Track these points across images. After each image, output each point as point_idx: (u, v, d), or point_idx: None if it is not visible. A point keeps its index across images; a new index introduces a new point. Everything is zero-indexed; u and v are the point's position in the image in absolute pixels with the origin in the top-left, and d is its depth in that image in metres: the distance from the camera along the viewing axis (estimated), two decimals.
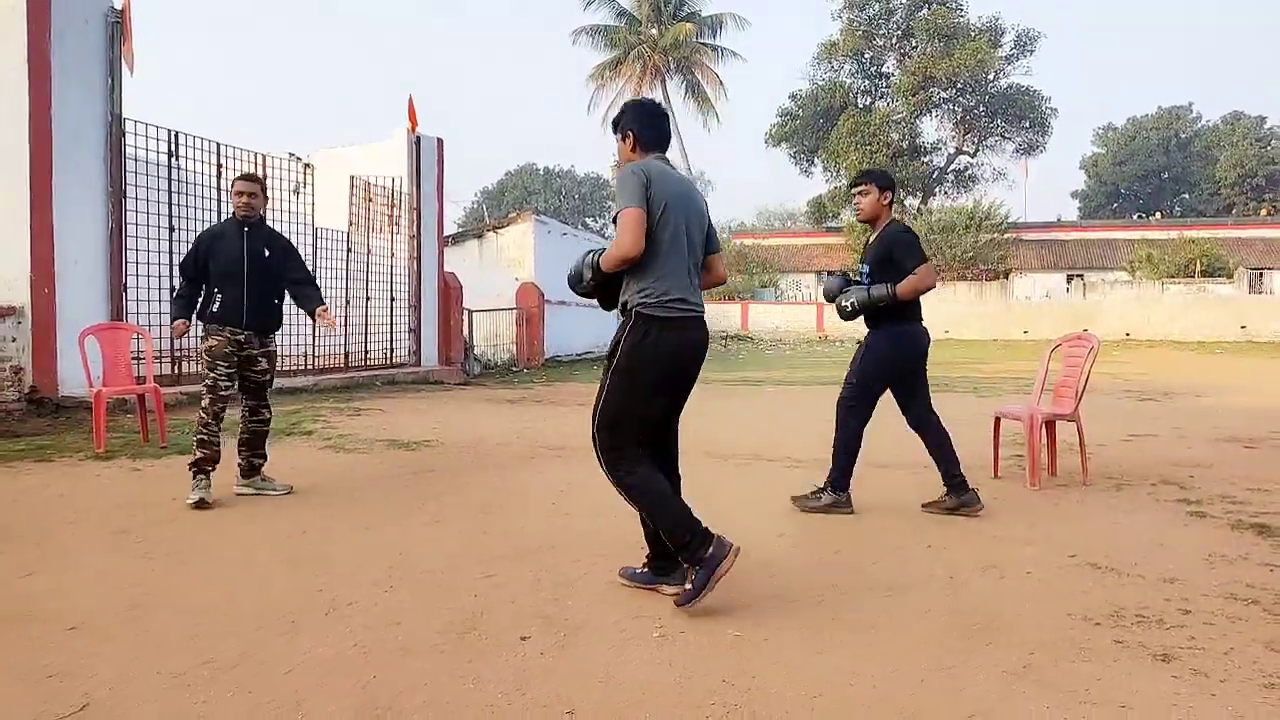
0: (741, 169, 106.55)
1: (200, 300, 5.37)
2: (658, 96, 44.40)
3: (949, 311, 34.53)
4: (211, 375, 5.21)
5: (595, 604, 3.44)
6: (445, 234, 17.42)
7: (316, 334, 12.84)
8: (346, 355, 13.53)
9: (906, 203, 41.49)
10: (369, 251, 14.06)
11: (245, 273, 5.27)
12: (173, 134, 10.37)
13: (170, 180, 10.35)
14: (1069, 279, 38.08)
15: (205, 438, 5.14)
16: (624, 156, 3.57)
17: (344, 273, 13.48)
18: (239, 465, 5.44)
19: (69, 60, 9.15)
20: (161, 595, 3.54)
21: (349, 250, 13.58)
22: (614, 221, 3.35)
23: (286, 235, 11.89)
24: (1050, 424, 6.03)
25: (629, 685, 2.71)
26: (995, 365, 19.84)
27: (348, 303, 13.55)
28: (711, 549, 3.25)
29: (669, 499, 3.34)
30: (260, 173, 11.67)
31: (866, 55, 42.27)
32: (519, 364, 19.55)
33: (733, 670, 2.82)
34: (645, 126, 3.52)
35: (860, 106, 41.87)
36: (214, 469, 5.18)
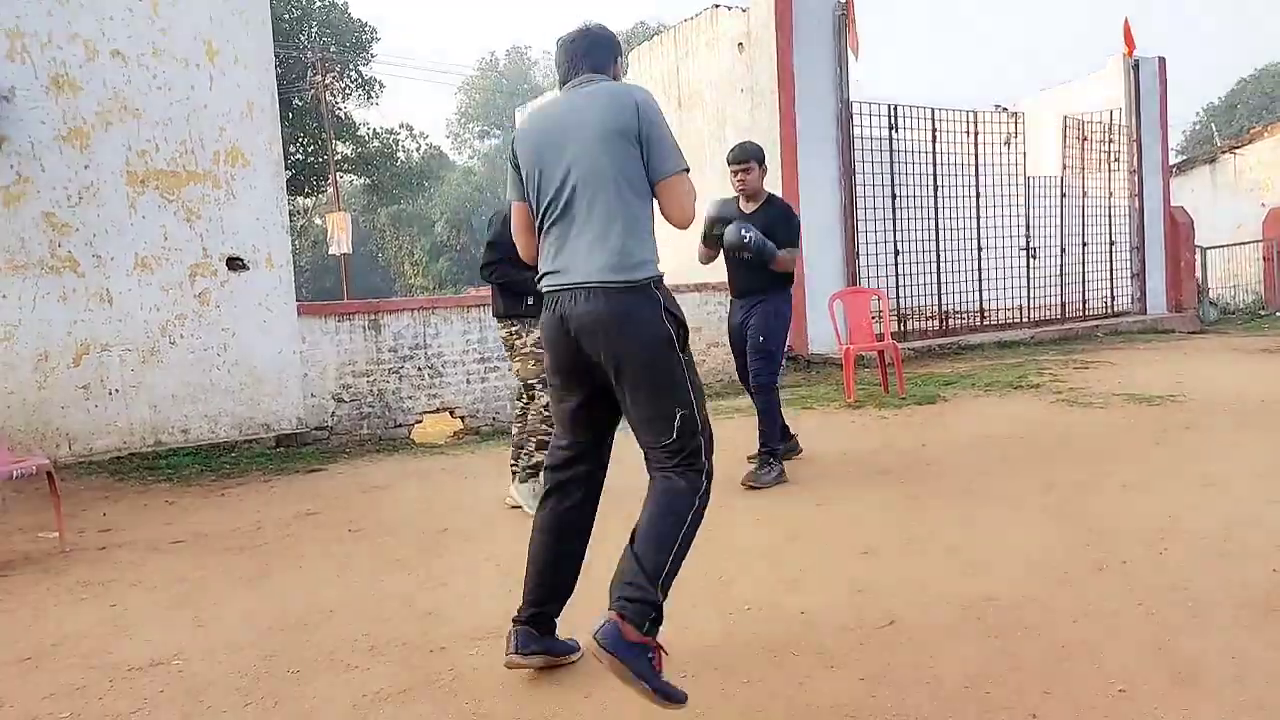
0: None
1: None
2: None
3: None
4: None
5: None
6: (1169, 164, 15.53)
7: (1032, 286, 12.64)
8: (1063, 306, 13.03)
9: None
10: (1083, 194, 13.27)
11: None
12: (892, 108, 11.12)
13: (890, 152, 11.15)
14: None
15: None
16: None
17: (1057, 220, 12.97)
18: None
19: (805, 60, 10.48)
20: (927, 530, 3.91)
21: (1062, 195, 13.00)
22: None
23: (998, 189, 11.98)
24: None
25: None
26: None
27: (1063, 251, 13.03)
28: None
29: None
30: (971, 130, 11.88)
31: None
32: (1268, 307, 16.52)
33: None
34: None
35: None
36: None
